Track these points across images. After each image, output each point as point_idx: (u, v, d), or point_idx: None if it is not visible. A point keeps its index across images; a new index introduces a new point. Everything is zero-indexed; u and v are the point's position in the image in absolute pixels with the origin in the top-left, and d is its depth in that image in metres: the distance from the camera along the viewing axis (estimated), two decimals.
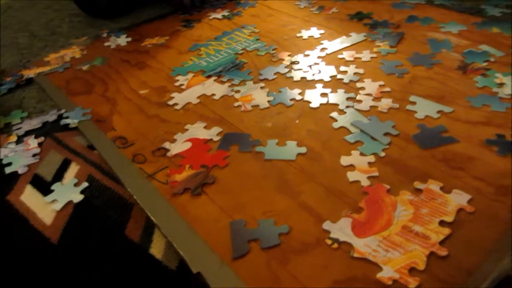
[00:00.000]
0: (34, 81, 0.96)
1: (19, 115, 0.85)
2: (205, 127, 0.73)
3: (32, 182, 0.68)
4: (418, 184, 0.57)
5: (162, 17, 1.17)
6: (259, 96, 0.80)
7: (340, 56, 0.90)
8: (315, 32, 1.00)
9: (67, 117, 0.81)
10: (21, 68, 1.01)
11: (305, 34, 1.00)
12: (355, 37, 0.96)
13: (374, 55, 0.89)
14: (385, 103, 0.75)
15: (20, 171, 0.70)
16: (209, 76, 0.88)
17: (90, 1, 1.21)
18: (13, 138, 0.78)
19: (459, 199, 0.54)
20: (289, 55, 0.92)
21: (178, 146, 0.69)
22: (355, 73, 0.84)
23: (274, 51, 0.94)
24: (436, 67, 0.84)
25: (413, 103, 0.74)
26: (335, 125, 0.71)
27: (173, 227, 0.55)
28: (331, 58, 0.89)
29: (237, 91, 0.82)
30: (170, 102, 0.81)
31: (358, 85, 0.80)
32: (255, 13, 1.13)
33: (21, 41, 1.17)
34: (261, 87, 0.82)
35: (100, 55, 1.02)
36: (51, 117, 0.82)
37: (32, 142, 0.76)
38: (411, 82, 0.80)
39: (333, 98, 0.77)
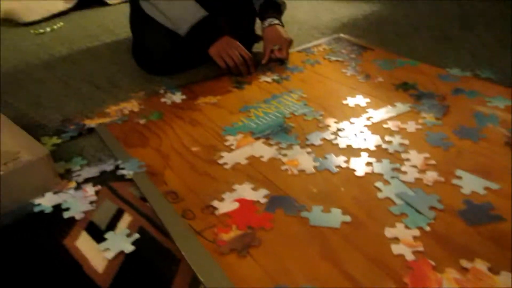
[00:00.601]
0: (95, 131, 1.03)
1: (79, 162, 0.91)
2: (252, 188, 0.76)
3: (87, 229, 0.72)
4: (464, 263, 0.57)
5: (215, 77, 1.24)
6: (306, 161, 0.83)
7: (385, 126, 0.92)
8: (361, 100, 1.04)
9: (123, 168, 0.86)
10: (84, 118, 1.09)
11: (351, 101, 1.04)
12: (401, 107, 0.99)
13: (420, 126, 0.91)
14: (431, 176, 0.76)
15: (77, 217, 0.75)
16: (258, 138, 0.92)
17: (147, 57, 1.30)
18: (73, 184, 0.83)
19: (508, 282, 0.54)
20: (335, 122, 0.95)
21: (226, 205, 0.73)
22: (400, 144, 0.86)
23: (321, 117, 0.98)
24: (482, 141, 0.85)
25: (459, 177, 0.75)
26: (380, 195, 0.72)
27: (218, 286, 0.57)
28: (377, 127, 0.92)
29: (284, 155, 0.85)
30: (220, 161, 0.85)
31: (403, 155, 0.82)
32: (303, 78, 1.18)
33: (85, 91, 1.27)
34: (308, 152, 0.85)
35: (157, 110, 1.08)
36: (108, 166, 0.88)
37: (90, 190, 0.81)
38: (457, 155, 0.81)
39: (378, 167, 0.79)
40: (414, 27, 1.49)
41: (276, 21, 1.28)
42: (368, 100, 1.03)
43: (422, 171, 0.77)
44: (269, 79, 1.19)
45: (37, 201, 0.79)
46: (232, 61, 1.18)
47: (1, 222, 0.75)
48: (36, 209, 0.77)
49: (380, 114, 0.97)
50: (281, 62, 1.26)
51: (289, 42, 1.28)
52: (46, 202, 0.79)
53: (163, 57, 1.27)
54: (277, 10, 1.33)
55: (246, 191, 0.76)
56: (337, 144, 0.87)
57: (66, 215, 0.75)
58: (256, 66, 1.24)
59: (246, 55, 1.19)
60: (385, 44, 1.37)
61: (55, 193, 0.81)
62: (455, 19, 1.52)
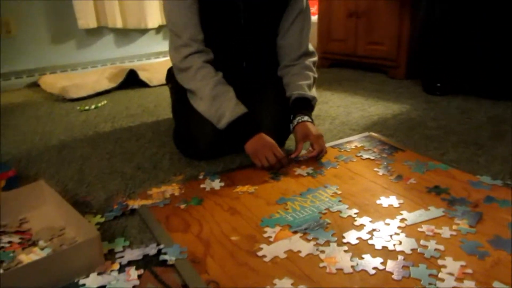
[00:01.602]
0: (137, 212, 1.08)
1: (122, 243, 0.95)
2: (292, 284, 0.78)
3: None
4: None
5: (252, 166, 1.30)
6: (343, 260, 0.85)
7: (419, 229, 0.95)
8: (394, 201, 1.07)
9: (165, 253, 0.89)
10: (127, 198, 1.15)
11: (384, 202, 1.07)
12: (434, 212, 1.02)
13: (454, 233, 0.93)
14: (468, 285, 0.77)
15: None
16: (295, 232, 0.95)
17: (190, 144, 1.37)
18: (116, 266, 0.86)
19: None
20: (370, 221, 0.98)
21: None
22: (435, 249, 0.87)
23: (356, 215, 1.01)
24: None
25: None
26: None
27: None
28: (411, 230, 0.95)
29: (322, 251, 0.87)
30: (259, 253, 0.88)
31: (440, 262, 0.83)
32: (337, 174, 1.23)
33: (127, 171, 1.34)
34: (345, 251, 0.88)
35: (196, 195, 1.14)
36: (151, 250, 0.91)
37: (133, 273, 0.84)
38: (493, 266, 0.82)
39: (415, 272, 0.81)
40: (443, 131, 1.55)
41: (306, 118, 1.35)
42: (401, 201, 1.07)
43: (459, 279, 0.79)
44: (304, 173, 1.24)
45: (82, 281, 0.82)
46: (266, 162, 1.25)
47: None
48: None
49: (414, 216, 1.00)
50: (315, 158, 1.33)
51: (319, 137, 1.32)
52: (91, 283, 0.82)
53: (207, 145, 1.34)
54: (307, 105, 1.39)
55: (286, 286, 0.78)
56: (373, 245, 0.90)
57: None
58: (289, 163, 1.30)
59: (280, 155, 1.26)
60: (415, 146, 1.43)
61: (99, 274, 0.84)
62: (484, 126, 1.58)
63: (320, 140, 1.32)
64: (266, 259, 0.86)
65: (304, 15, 1.42)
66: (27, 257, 0.88)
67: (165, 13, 1.35)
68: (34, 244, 0.93)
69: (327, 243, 0.91)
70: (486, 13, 1.82)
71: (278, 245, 0.90)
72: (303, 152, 1.36)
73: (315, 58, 1.49)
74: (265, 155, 1.25)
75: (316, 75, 1.46)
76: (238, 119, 1.26)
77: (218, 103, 1.28)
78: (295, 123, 1.35)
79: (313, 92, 1.42)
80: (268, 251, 0.88)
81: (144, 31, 3.03)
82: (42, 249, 0.91)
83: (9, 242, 0.94)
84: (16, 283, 0.76)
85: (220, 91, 1.29)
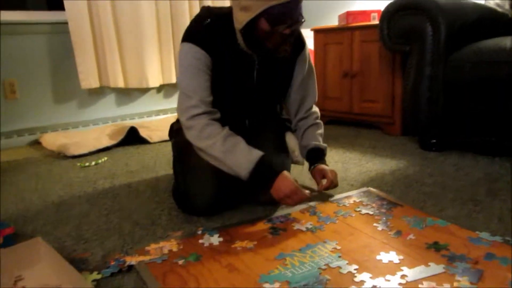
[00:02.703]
0: (134, 268, 1.06)
1: None
2: None
3: None
4: None
5: (251, 221, 1.30)
6: None
7: (421, 286, 0.93)
8: (394, 257, 1.06)
9: None
10: (124, 254, 1.14)
11: (384, 257, 1.06)
12: (434, 268, 1.01)
13: None
14: None
15: None
16: None
17: (188, 202, 1.38)
18: None
19: None
20: (370, 277, 0.97)
21: None
22: None
23: (356, 271, 1.00)
24: None
25: None
26: None
27: None
28: (412, 287, 0.93)
29: None
30: None
31: None
32: (336, 230, 1.23)
33: (125, 227, 1.33)
34: None
35: (195, 251, 1.13)
36: None
37: None
38: None
39: None
40: (440, 187, 1.57)
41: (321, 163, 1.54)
42: (401, 257, 1.06)
43: None
44: (303, 228, 1.24)
45: None
46: (293, 203, 1.30)
47: None
48: None
49: (414, 273, 0.99)
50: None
51: (333, 172, 1.51)
52: None
53: (206, 203, 1.35)
54: (322, 155, 1.57)
55: None
56: None
57: None
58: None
59: (303, 196, 1.30)
60: (412, 202, 1.43)
61: None
62: (481, 182, 1.60)
63: (334, 173, 1.51)
64: None
65: (312, 68, 1.58)
66: None
67: (177, 73, 1.40)
68: None
69: None
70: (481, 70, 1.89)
71: None
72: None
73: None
74: (289, 200, 1.28)
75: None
76: (257, 165, 1.27)
77: (233, 157, 1.28)
78: (312, 168, 1.53)
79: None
80: None
81: (145, 90, 3.11)
82: None
83: None
84: None
85: (231, 145, 1.28)
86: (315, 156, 1.55)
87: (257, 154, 1.28)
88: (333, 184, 1.49)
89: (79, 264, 1.10)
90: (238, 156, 1.28)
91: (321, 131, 1.60)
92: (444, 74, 1.96)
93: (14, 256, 1.06)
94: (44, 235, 1.28)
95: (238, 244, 1.16)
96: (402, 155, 2.03)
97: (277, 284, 0.96)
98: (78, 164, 2.12)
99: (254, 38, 1.29)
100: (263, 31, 1.25)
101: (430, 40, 1.97)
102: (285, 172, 1.29)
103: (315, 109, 1.62)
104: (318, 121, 1.61)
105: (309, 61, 1.55)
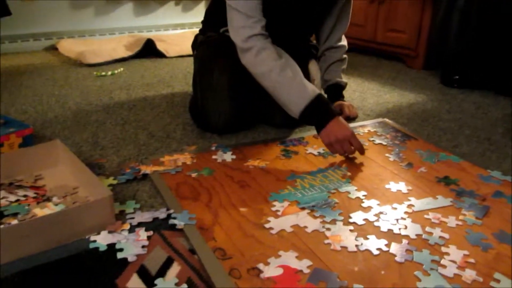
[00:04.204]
0: (149, 177, 1.10)
1: (132, 205, 0.97)
2: (296, 257, 0.80)
3: (139, 272, 0.76)
4: None
5: (264, 142, 1.31)
6: (348, 239, 0.86)
7: (426, 216, 0.96)
8: (403, 187, 1.08)
9: (174, 218, 0.91)
10: (139, 163, 1.17)
11: (393, 186, 1.08)
12: (442, 201, 1.02)
13: (460, 223, 0.94)
14: (469, 274, 0.78)
15: (129, 259, 0.79)
16: (303, 208, 0.96)
17: (205, 119, 1.39)
18: (127, 226, 0.89)
19: None
20: (378, 204, 0.99)
21: (271, 270, 0.76)
22: (440, 237, 0.88)
23: (364, 197, 1.02)
24: None
25: (497, 280, 0.77)
26: (419, 284, 0.75)
27: None
28: (417, 216, 0.96)
29: (328, 229, 0.89)
30: (267, 225, 0.90)
31: (443, 249, 0.84)
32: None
33: (140, 138, 1.35)
34: (350, 230, 0.89)
35: (208, 166, 1.15)
36: (161, 214, 0.93)
37: (142, 234, 0.86)
38: (495, 258, 0.83)
39: (418, 256, 0.82)
40: (457, 124, 1.55)
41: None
42: (410, 188, 1.07)
43: (461, 267, 0.80)
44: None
45: (93, 237, 0.85)
46: (343, 152, 1.20)
47: (57, 255, 0.80)
48: (92, 246, 0.83)
49: (421, 204, 1.01)
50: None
51: (350, 105, 1.55)
52: (101, 240, 0.84)
53: (223, 122, 1.36)
54: (341, 92, 1.60)
55: (291, 258, 0.80)
56: (378, 227, 0.91)
57: (119, 255, 0.80)
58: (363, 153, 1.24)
59: (358, 145, 1.18)
60: (427, 136, 1.43)
61: (110, 232, 0.86)
62: (499, 122, 1.57)
63: (351, 107, 1.55)
64: (273, 232, 0.88)
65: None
66: (41, 211, 0.90)
67: None
68: (48, 200, 0.96)
69: (333, 221, 0.92)
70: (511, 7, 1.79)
71: (285, 220, 0.92)
72: None
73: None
74: (341, 147, 1.19)
75: None
76: (311, 104, 1.20)
77: (288, 91, 1.22)
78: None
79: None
80: (275, 224, 0.90)
81: (163, 2, 3.01)
82: (56, 205, 0.93)
83: (25, 196, 0.97)
84: (31, 234, 0.79)
85: (287, 76, 1.22)
86: (334, 93, 1.59)
87: (313, 91, 1.21)
88: (350, 118, 1.53)
89: (96, 169, 1.14)
90: (293, 90, 1.21)
91: (344, 66, 1.62)
92: (478, 9, 1.85)
93: (34, 155, 1.10)
94: (62, 139, 1.31)
95: (250, 163, 1.18)
96: (422, 89, 1.99)
97: (286, 203, 0.99)
98: (94, 73, 2.12)
99: None
100: None
101: None
102: (340, 118, 1.20)
103: (344, 42, 1.59)
104: (344, 56, 1.60)
105: None
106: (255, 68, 1.27)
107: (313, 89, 1.22)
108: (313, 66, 1.55)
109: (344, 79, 1.60)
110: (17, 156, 1.09)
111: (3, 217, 0.88)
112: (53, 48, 2.66)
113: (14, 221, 0.86)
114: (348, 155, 1.22)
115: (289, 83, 1.22)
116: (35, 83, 1.95)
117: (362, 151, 1.20)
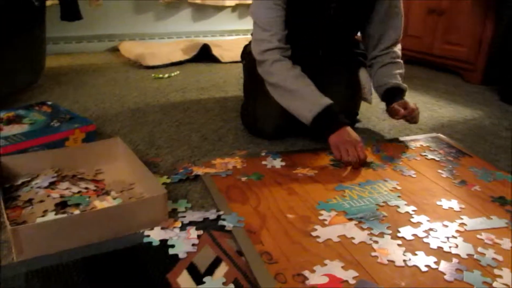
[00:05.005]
0: (200, 179, 1.13)
1: (184, 204, 1.01)
2: (342, 267, 0.80)
3: (188, 269, 0.80)
4: None
5: (313, 150, 1.32)
6: (395, 253, 0.86)
7: (478, 236, 0.93)
8: (455, 204, 1.05)
9: (224, 220, 0.94)
10: (192, 164, 1.21)
11: (445, 204, 1.06)
12: (496, 221, 0.99)
13: None
14: None
15: (180, 255, 0.83)
16: (350, 219, 0.97)
17: (255, 124, 1.42)
18: (178, 224, 0.93)
19: None
20: (428, 221, 0.98)
21: (316, 278, 0.77)
22: (493, 258, 0.86)
23: (414, 212, 1.01)
24: None
25: None
26: None
27: None
28: (470, 236, 0.93)
29: (375, 242, 0.89)
30: (313, 233, 0.90)
31: (496, 271, 0.82)
32: (398, 170, 1.22)
33: (194, 140, 1.40)
34: (398, 244, 0.88)
35: (257, 171, 1.18)
36: (211, 215, 0.96)
37: (193, 233, 0.90)
38: None
39: (468, 276, 0.80)
40: None
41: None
42: (462, 206, 1.05)
43: None
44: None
45: (147, 232, 0.89)
46: (347, 157, 1.21)
47: (113, 246, 0.85)
48: (145, 240, 0.87)
49: (474, 223, 0.98)
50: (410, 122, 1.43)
51: (417, 110, 1.39)
52: (154, 235, 0.88)
53: (272, 127, 1.38)
54: (402, 95, 1.44)
55: (336, 268, 0.80)
56: (428, 243, 0.90)
57: (171, 251, 0.84)
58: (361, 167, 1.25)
59: (363, 154, 1.22)
60: (483, 153, 1.38)
61: (163, 228, 0.91)
62: None
63: (416, 107, 1.39)
64: (319, 240, 0.89)
65: (398, 1, 1.42)
66: (100, 204, 0.96)
67: (251, 5, 1.35)
68: (107, 193, 1.02)
69: (381, 234, 0.92)
70: None
71: (332, 229, 0.93)
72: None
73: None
74: (347, 149, 1.22)
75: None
76: (323, 112, 1.24)
77: (300, 98, 1.27)
78: (391, 106, 1.40)
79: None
80: (322, 233, 0.91)
81: (221, 8, 3.09)
82: (114, 199, 0.99)
83: (86, 188, 1.03)
84: (91, 224, 0.84)
85: (301, 85, 1.28)
86: (394, 95, 1.43)
87: (326, 101, 1.26)
88: (415, 113, 1.38)
89: (151, 167, 1.19)
90: (306, 98, 1.27)
91: (400, 71, 1.47)
92: None
93: (96, 151, 1.17)
94: (121, 137, 1.38)
95: (299, 171, 1.19)
96: (479, 105, 1.92)
97: (333, 213, 0.99)
98: (152, 74, 2.21)
99: None
100: None
101: None
102: (349, 128, 1.25)
103: (396, 48, 1.49)
104: (398, 60, 1.48)
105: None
106: (270, 78, 1.32)
107: (325, 99, 1.26)
108: (363, 74, 1.54)
109: (406, 91, 1.47)
110: (81, 150, 1.17)
111: (66, 206, 0.95)
112: (115, 50, 2.79)
113: (77, 211, 0.92)
114: (353, 163, 1.22)
115: (302, 92, 1.28)
116: (97, 82, 2.06)
117: (363, 161, 1.23)
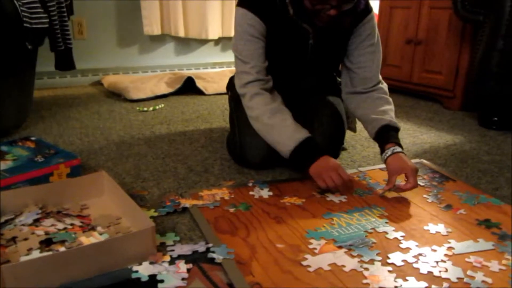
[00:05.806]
0: (188, 211, 1.13)
1: (172, 237, 1.00)
2: None
3: None
4: None
5: (300, 179, 1.32)
6: (387, 280, 0.86)
7: (467, 260, 0.94)
8: (442, 229, 1.06)
9: (213, 252, 0.93)
10: (179, 196, 1.20)
11: (432, 228, 1.07)
12: (483, 244, 1.00)
13: (503, 267, 0.91)
14: None
15: None
16: (340, 247, 0.97)
17: (241, 155, 1.42)
18: (167, 258, 0.91)
19: None
20: (417, 246, 0.98)
21: None
22: (483, 281, 0.86)
23: (402, 238, 1.01)
24: None
25: None
26: None
27: None
28: (458, 259, 0.94)
29: (366, 269, 0.89)
30: (304, 263, 0.90)
31: None
32: (385, 196, 1.23)
33: (180, 172, 1.40)
34: (389, 271, 0.89)
35: (245, 201, 1.17)
36: (200, 247, 0.95)
37: (182, 267, 0.88)
38: None
39: None
40: (497, 166, 1.52)
41: (399, 149, 1.26)
42: (450, 230, 1.06)
43: None
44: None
45: (135, 267, 0.87)
46: (332, 182, 1.20)
47: (100, 282, 0.83)
48: (134, 276, 0.85)
49: (462, 246, 0.99)
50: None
51: (416, 171, 1.22)
52: (143, 270, 0.87)
53: (259, 158, 1.39)
54: (396, 134, 1.33)
55: None
56: (418, 268, 0.90)
57: (160, 286, 0.82)
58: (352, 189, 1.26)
59: (346, 176, 1.21)
60: (466, 177, 1.41)
61: (151, 263, 0.89)
62: None
63: (416, 174, 1.22)
64: (310, 269, 0.88)
65: (376, 40, 1.40)
66: (87, 239, 0.94)
67: (233, 38, 1.38)
68: (93, 229, 1.00)
69: (372, 261, 0.92)
70: None
71: (323, 258, 0.92)
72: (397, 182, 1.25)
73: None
74: (330, 176, 1.20)
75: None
76: (300, 146, 1.24)
77: (277, 132, 1.28)
78: (389, 153, 1.25)
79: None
80: (312, 262, 0.90)
81: (204, 42, 3.14)
82: (100, 234, 0.97)
83: (71, 224, 1.01)
84: (77, 261, 0.82)
85: (278, 120, 1.28)
86: (386, 136, 1.31)
87: (303, 134, 1.26)
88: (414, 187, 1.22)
89: (138, 200, 1.18)
90: (283, 133, 1.27)
91: (392, 107, 1.39)
92: None
93: (81, 185, 1.15)
94: (106, 170, 1.37)
95: (287, 200, 1.19)
96: (460, 130, 1.97)
97: (322, 241, 0.99)
98: (137, 108, 2.21)
99: (303, 13, 1.25)
100: (308, 9, 1.21)
101: (508, 11, 1.85)
102: (328, 156, 1.24)
103: (385, 86, 1.42)
104: (388, 97, 1.40)
105: (373, 32, 1.39)
106: (250, 111, 1.34)
107: (301, 133, 1.27)
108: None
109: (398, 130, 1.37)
110: (65, 186, 1.15)
111: (51, 244, 0.93)
112: (99, 84, 2.79)
113: (62, 248, 0.90)
114: (339, 187, 1.22)
115: (279, 127, 1.28)
116: (81, 116, 2.05)
117: (350, 183, 1.25)
